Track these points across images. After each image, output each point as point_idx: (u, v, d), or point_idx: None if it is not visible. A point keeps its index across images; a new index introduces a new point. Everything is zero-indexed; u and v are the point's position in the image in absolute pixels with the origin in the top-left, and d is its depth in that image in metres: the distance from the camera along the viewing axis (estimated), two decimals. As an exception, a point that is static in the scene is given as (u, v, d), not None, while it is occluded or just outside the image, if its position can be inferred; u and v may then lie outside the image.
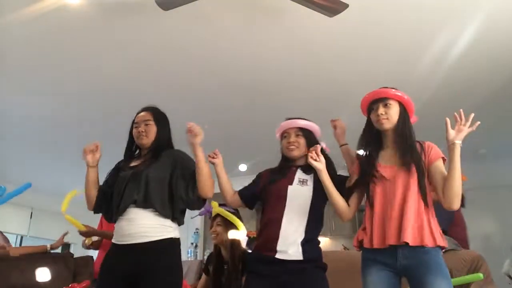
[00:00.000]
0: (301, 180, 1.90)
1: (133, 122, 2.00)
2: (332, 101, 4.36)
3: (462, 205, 1.68)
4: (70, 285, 2.63)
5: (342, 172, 1.99)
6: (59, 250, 3.15)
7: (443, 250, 1.66)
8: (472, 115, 1.63)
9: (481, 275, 2.17)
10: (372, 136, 1.84)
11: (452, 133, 1.63)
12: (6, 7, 2.92)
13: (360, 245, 1.74)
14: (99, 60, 3.66)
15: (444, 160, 1.72)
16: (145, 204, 1.79)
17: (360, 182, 1.80)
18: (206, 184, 1.84)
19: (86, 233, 2.85)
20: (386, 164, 1.74)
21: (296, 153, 1.96)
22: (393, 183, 1.68)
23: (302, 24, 3.14)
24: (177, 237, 1.84)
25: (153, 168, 1.84)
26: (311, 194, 1.86)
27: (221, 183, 2.03)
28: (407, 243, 1.55)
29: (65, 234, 3.12)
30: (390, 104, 1.78)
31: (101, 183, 1.98)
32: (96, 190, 1.94)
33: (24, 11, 2.92)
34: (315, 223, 1.87)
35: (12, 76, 3.91)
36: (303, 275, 1.75)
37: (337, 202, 1.81)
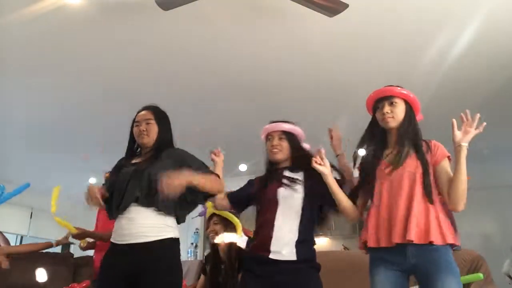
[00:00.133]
0: (290, 180, 1.91)
1: (134, 121, 2.00)
2: (332, 101, 4.37)
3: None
4: (70, 285, 2.63)
5: (334, 174, 1.98)
6: (59, 250, 3.14)
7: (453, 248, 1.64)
8: (478, 115, 1.62)
9: (481, 275, 2.17)
10: (377, 134, 1.83)
11: (458, 134, 1.62)
12: (6, 7, 2.92)
13: (364, 246, 1.73)
14: (99, 60, 3.66)
15: (449, 159, 1.71)
16: (147, 202, 1.78)
17: (364, 180, 1.79)
18: (213, 187, 1.86)
19: (78, 236, 2.84)
20: (390, 162, 1.73)
21: (279, 156, 1.97)
22: (398, 182, 1.67)
23: (302, 24, 3.14)
24: (177, 236, 1.83)
25: (156, 166, 1.83)
26: (302, 194, 1.87)
27: None
28: (412, 241, 1.54)
29: (70, 233, 3.11)
30: (395, 102, 1.77)
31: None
32: None
33: (24, 11, 2.92)
34: (308, 222, 1.87)
35: (12, 76, 3.91)
36: (296, 275, 1.75)
37: (343, 203, 1.81)
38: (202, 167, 1.89)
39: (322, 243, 6.70)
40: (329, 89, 4.14)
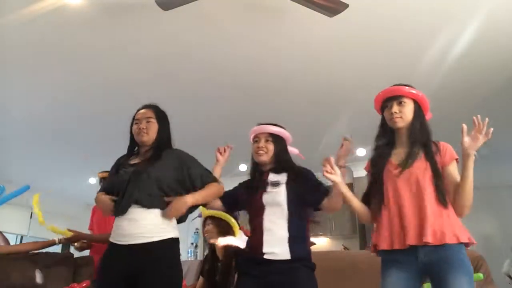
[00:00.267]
0: (273, 182, 1.92)
1: (133, 119, 1.98)
2: (332, 101, 4.37)
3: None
4: (70, 285, 2.62)
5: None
6: (59, 250, 3.14)
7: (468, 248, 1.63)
8: (487, 120, 1.59)
9: (481, 275, 2.17)
10: (386, 134, 1.82)
11: (467, 140, 1.59)
12: (6, 7, 2.92)
13: (375, 249, 1.71)
14: (99, 60, 3.66)
15: (457, 161, 1.69)
16: (147, 203, 1.78)
17: (374, 182, 1.77)
18: (214, 197, 1.96)
19: (73, 239, 2.84)
20: (400, 163, 1.71)
21: (264, 158, 1.98)
22: (407, 183, 1.65)
23: (302, 24, 3.14)
24: (177, 236, 1.84)
25: (157, 167, 1.83)
26: (285, 192, 1.88)
27: None
28: (429, 243, 1.53)
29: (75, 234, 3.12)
30: (404, 102, 1.74)
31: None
32: None
33: (24, 11, 2.92)
34: (297, 221, 1.88)
35: (12, 76, 3.91)
36: (291, 274, 1.76)
37: (357, 210, 1.79)
38: (202, 174, 1.92)
39: (322, 243, 6.71)
40: (329, 89, 4.15)
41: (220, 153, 2.16)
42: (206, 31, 3.25)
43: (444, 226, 1.56)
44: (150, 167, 1.83)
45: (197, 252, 6.36)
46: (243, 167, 5.65)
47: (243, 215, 2.85)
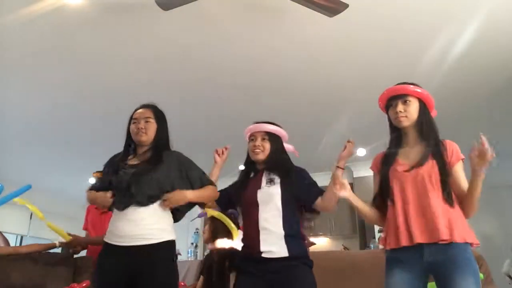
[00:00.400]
0: (269, 180, 1.93)
1: (131, 118, 1.97)
2: (332, 101, 4.36)
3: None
4: (70, 285, 2.62)
5: (327, 173, 1.98)
6: (59, 250, 3.13)
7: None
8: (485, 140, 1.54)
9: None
10: (393, 133, 1.81)
11: (474, 158, 1.54)
12: (6, 7, 2.92)
13: (384, 243, 1.71)
14: (99, 60, 3.66)
15: (463, 160, 1.69)
16: (148, 205, 1.78)
17: (382, 181, 1.75)
18: (209, 199, 1.97)
19: (72, 243, 2.84)
20: (407, 161, 1.70)
21: (260, 156, 1.99)
22: (414, 181, 1.65)
23: (302, 24, 3.14)
24: (174, 238, 1.84)
25: (158, 170, 1.83)
26: (279, 190, 1.88)
27: None
28: (445, 241, 1.52)
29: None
30: (409, 101, 1.73)
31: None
32: None
33: (24, 11, 2.92)
34: (292, 218, 1.88)
35: (12, 76, 3.91)
36: (289, 272, 1.76)
37: (368, 217, 1.79)
38: (201, 177, 1.93)
39: (322, 243, 6.71)
40: (329, 89, 4.14)
41: (218, 155, 2.16)
42: (206, 31, 3.25)
43: (453, 224, 1.55)
44: (152, 170, 1.82)
45: (197, 252, 6.35)
46: (243, 168, 5.64)
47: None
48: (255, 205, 1.89)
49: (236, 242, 2.65)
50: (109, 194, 1.80)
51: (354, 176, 6.50)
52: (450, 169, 1.65)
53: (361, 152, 5.75)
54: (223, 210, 2.20)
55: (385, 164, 1.76)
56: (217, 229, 2.77)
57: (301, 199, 1.93)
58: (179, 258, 3.93)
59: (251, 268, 1.82)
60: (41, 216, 2.79)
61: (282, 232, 1.82)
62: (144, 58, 3.63)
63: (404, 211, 1.63)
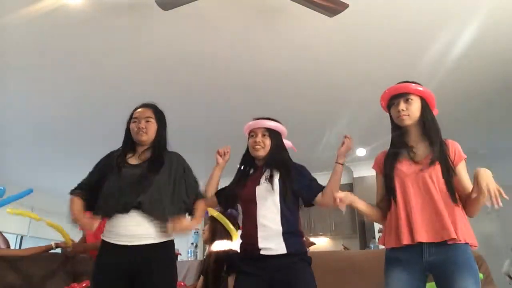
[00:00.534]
0: (268, 176, 1.92)
1: (131, 117, 1.97)
2: (332, 101, 4.37)
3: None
4: (70, 285, 2.63)
5: (327, 173, 1.98)
6: (59, 250, 3.13)
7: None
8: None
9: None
10: (394, 132, 1.80)
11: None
12: (6, 7, 2.92)
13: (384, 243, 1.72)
14: (99, 60, 3.66)
15: (465, 160, 1.68)
16: (149, 208, 1.79)
17: (385, 180, 1.75)
18: (203, 213, 2.00)
19: (78, 250, 2.85)
20: (409, 160, 1.70)
21: (261, 153, 1.98)
22: (416, 180, 1.65)
23: (302, 24, 3.14)
24: (173, 238, 1.86)
25: (161, 173, 1.84)
26: (278, 187, 1.88)
27: (210, 184, 2.09)
28: (455, 240, 1.52)
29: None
30: (411, 99, 1.73)
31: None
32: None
33: (24, 11, 2.92)
34: (289, 213, 1.88)
35: (12, 76, 3.91)
36: (288, 271, 1.76)
37: (372, 217, 1.80)
38: (196, 184, 1.97)
39: (322, 243, 6.71)
40: (329, 89, 4.14)
41: (220, 155, 2.15)
42: (206, 31, 3.25)
43: (457, 224, 1.55)
44: (156, 173, 1.83)
45: (197, 252, 6.34)
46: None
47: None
48: (254, 201, 1.89)
49: (235, 244, 2.65)
50: (96, 223, 1.79)
51: (354, 176, 6.50)
52: (454, 169, 1.65)
53: (361, 152, 5.75)
54: (224, 208, 2.19)
55: (387, 164, 1.75)
56: (217, 230, 2.78)
57: (302, 195, 1.93)
58: (179, 258, 3.94)
59: (250, 267, 1.82)
60: (37, 217, 2.79)
61: (280, 229, 1.82)
62: (144, 58, 3.63)
63: (406, 210, 1.63)
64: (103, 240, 1.83)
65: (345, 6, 2.64)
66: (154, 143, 1.94)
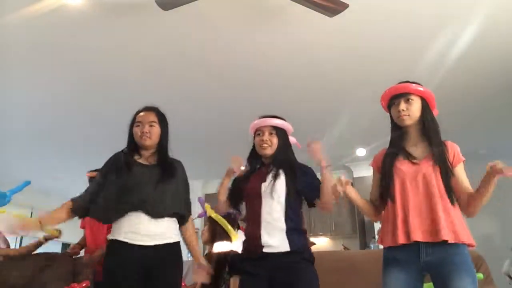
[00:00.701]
0: (274, 174, 1.92)
1: (134, 121, 1.97)
2: (332, 101, 4.37)
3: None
4: (70, 285, 2.63)
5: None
6: (59, 250, 3.14)
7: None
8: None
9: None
10: (394, 131, 1.81)
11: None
12: (6, 7, 2.92)
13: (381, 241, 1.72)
14: (99, 60, 3.66)
15: (464, 162, 1.69)
16: (160, 213, 1.85)
17: (383, 179, 1.76)
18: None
19: (92, 259, 2.87)
20: (408, 160, 1.70)
21: (268, 151, 1.98)
22: (414, 180, 1.65)
23: (302, 24, 3.14)
24: (179, 240, 1.94)
25: (174, 183, 1.92)
26: (284, 185, 1.88)
27: (221, 191, 2.08)
28: (447, 241, 1.52)
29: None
30: (411, 99, 1.73)
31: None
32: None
33: (24, 11, 2.92)
34: (293, 211, 1.89)
35: (12, 76, 3.91)
36: (291, 271, 1.76)
37: (362, 209, 1.82)
38: (189, 203, 2.03)
39: (322, 243, 6.71)
40: (329, 89, 4.15)
41: (235, 167, 2.06)
42: (206, 31, 3.25)
43: (455, 225, 1.56)
44: (171, 182, 1.90)
45: (197, 252, 6.35)
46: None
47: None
48: (259, 198, 1.89)
49: (235, 245, 2.65)
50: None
51: (354, 176, 6.50)
52: (452, 170, 1.65)
53: (361, 152, 5.75)
54: (234, 205, 2.16)
55: (386, 162, 1.76)
56: (216, 231, 2.78)
57: (305, 195, 1.94)
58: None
59: (252, 268, 1.81)
60: (21, 215, 2.77)
61: (284, 227, 1.82)
62: (144, 58, 3.63)
63: (404, 209, 1.64)
64: (112, 240, 1.84)
65: (345, 6, 2.64)
66: (159, 147, 1.97)
